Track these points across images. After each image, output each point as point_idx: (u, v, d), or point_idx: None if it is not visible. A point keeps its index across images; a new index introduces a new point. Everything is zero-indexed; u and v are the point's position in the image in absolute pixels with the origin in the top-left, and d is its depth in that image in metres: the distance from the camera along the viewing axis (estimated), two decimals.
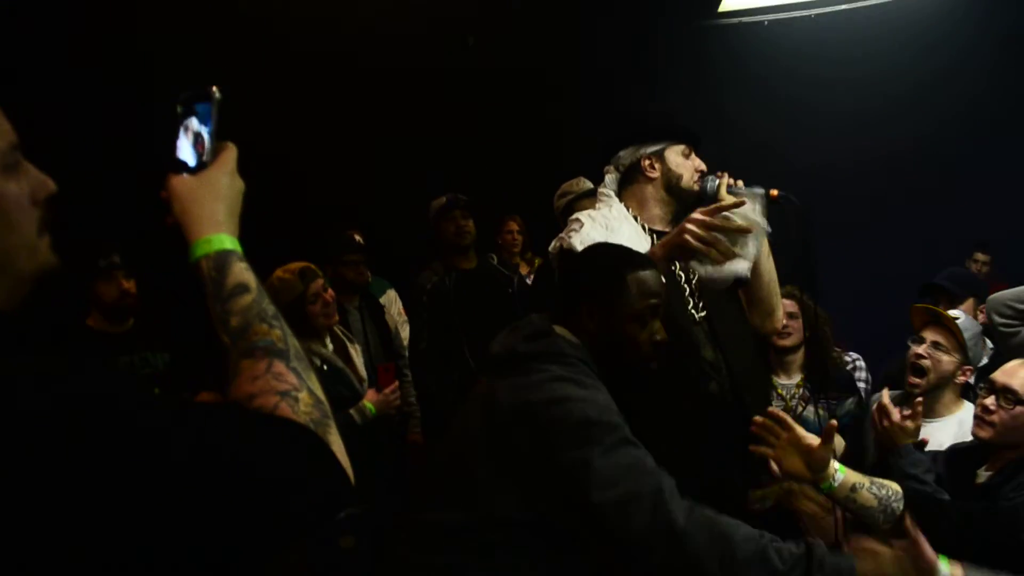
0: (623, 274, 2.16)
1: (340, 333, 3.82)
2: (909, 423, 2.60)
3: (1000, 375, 2.64)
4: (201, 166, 1.25)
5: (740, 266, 2.37)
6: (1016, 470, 2.55)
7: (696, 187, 2.74)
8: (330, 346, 3.69)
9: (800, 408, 3.59)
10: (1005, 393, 2.58)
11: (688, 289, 2.70)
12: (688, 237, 2.28)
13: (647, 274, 2.19)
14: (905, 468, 2.52)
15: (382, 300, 5.13)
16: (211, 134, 1.26)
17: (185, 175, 1.23)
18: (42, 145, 1.06)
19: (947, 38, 5.96)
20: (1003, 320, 3.23)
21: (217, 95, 1.26)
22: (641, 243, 2.62)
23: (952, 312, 3.16)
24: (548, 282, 3.19)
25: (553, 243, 2.74)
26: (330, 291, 3.63)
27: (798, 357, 3.62)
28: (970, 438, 2.98)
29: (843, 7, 5.62)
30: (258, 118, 5.27)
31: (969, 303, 3.54)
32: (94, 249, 3.72)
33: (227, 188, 1.23)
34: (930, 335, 3.08)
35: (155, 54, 4.78)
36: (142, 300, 3.80)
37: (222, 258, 1.18)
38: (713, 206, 2.35)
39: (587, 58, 5.96)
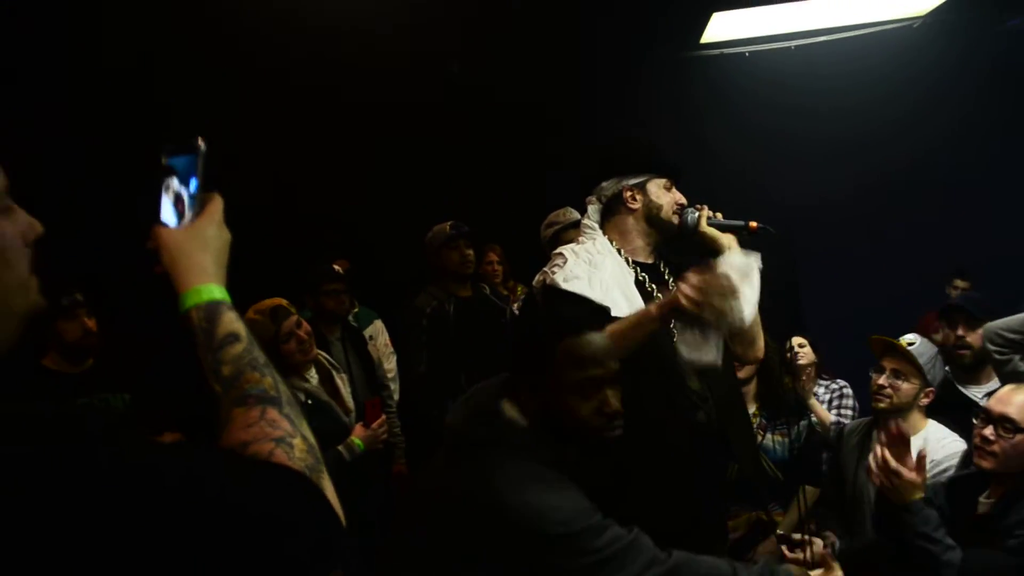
0: (553, 343, 1.99)
1: (325, 363, 3.79)
2: (917, 477, 2.58)
3: (995, 403, 2.67)
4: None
5: (709, 356, 2.32)
6: (1017, 497, 2.56)
7: (676, 219, 2.74)
8: (315, 378, 3.66)
9: (760, 436, 3.68)
10: (1003, 422, 2.60)
11: (672, 322, 2.66)
12: (683, 300, 2.24)
13: (585, 340, 2.00)
14: (917, 527, 2.49)
15: (368, 330, 5.10)
16: (196, 188, 1.26)
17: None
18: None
19: (925, 69, 6.01)
20: (995, 348, 3.25)
21: (202, 147, 1.26)
22: (625, 276, 2.65)
23: (907, 337, 3.25)
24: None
25: (537, 277, 2.74)
26: (305, 327, 3.58)
27: (751, 388, 3.70)
28: (939, 453, 3.06)
29: (823, 39, 5.66)
30: (253, 145, 5.33)
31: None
32: (56, 286, 3.53)
33: (214, 239, 1.24)
34: (889, 364, 3.20)
35: (143, 94, 4.80)
36: (102, 340, 3.65)
37: (212, 308, 1.19)
38: (707, 270, 2.27)
39: (569, 88, 5.98)
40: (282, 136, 5.38)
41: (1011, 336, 3.17)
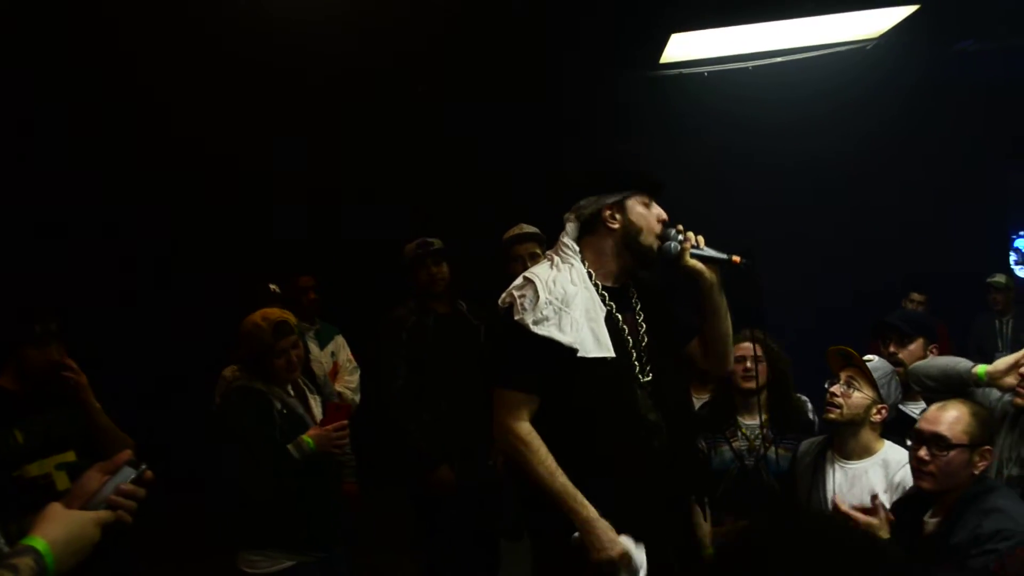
0: None
1: (302, 383, 3.72)
2: (874, 519, 2.67)
3: (924, 423, 2.67)
4: None
5: None
6: (960, 511, 2.54)
7: (655, 246, 2.69)
8: (292, 394, 3.60)
9: (763, 448, 3.63)
10: (935, 441, 2.60)
11: (636, 354, 2.68)
12: None
13: None
14: None
15: (330, 347, 5.01)
16: (109, 490, 1.65)
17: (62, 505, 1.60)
18: None
19: (878, 89, 6.05)
20: (918, 389, 3.26)
21: (143, 474, 1.68)
22: (596, 311, 2.62)
23: (867, 356, 3.22)
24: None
25: (504, 297, 2.67)
26: (299, 350, 3.57)
27: (762, 399, 3.62)
28: (897, 476, 3.02)
29: (779, 59, 5.66)
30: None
31: (919, 342, 3.52)
32: (32, 313, 3.33)
33: (77, 528, 1.55)
34: (844, 375, 3.17)
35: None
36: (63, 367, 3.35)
37: (25, 549, 1.48)
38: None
39: (529, 107, 5.95)
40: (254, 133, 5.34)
41: (929, 383, 3.15)
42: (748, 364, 3.51)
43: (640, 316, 2.74)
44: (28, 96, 4.83)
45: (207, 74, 4.95)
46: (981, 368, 2.95)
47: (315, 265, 5.40)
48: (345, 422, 3.51)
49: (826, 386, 3.22)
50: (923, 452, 2.62)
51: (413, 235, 4.45)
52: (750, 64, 5.66)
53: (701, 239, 2.71)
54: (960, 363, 3.04)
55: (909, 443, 2.79)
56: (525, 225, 4.32)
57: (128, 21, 4.44)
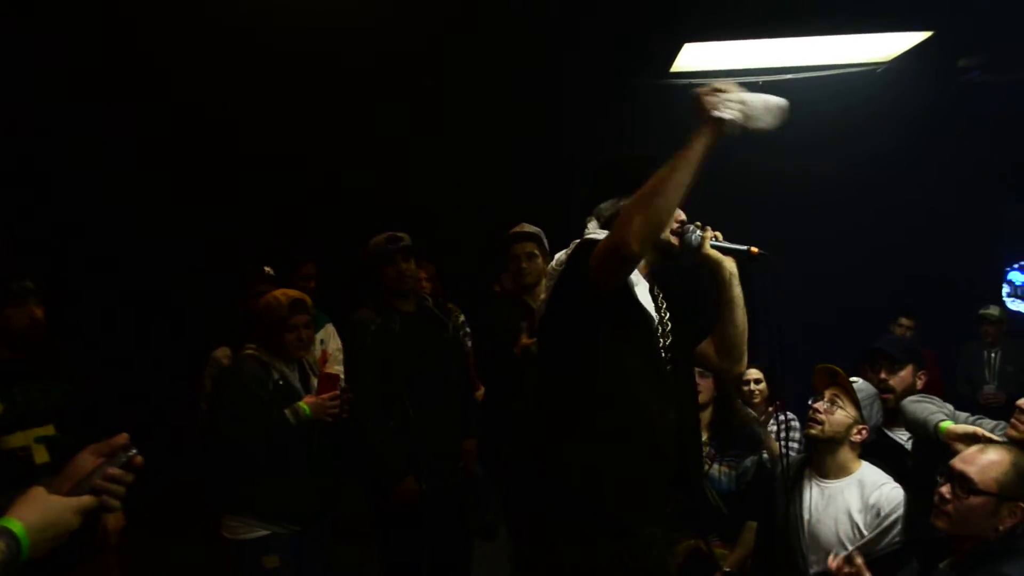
0: None
1: (307, 365, 3.82)
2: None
3: (958, 461, 2.49)
4: None
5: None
6: (973, 567, 2.40)
7: (675, 239, 2.66)
8: (296, 373, 3.72)
9: (707, 466, 3.64)
10: (961, 482, 2.43)
11: (663, 342, 2.65)
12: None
13: None
14: None
15: (320, 334, 4.95)
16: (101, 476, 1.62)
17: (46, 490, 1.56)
18: None
19: (886, 112, 6.01)
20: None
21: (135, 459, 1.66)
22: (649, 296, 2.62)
23: (852, 378, 3.21)
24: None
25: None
26: (310, 331, 3.73)
27: (706, 415, 3.63)
28: (872, 497, 2.96)
29: (789, 76, 5.62)
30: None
31: (908, 369, 3.49)
32: (7, 272, 3.32)
33: (55, 514, 1.53)
34: (828, 393, 3.16)
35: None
36: (47, 329, 3.38)
37: (4, 532, 1.47)
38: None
39: (538, 113, 5.90)
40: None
41: (906, 423, 3.16)
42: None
43: (666, 315, 2.72)
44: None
45: (209, 55, 4.87)
46: (944, 424, 2.90)
47: (318, 253, 5.40)
48: (337, 392, 3.65)
49: (810, 403, 3.21)
50: (946, 489, 2.47)
51: (413, 232, 4.35)
52: (760, 79, 5.62)
53: (719, 234, 2.71)
54: (934, 415, 2.99)
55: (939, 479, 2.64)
56: (526, 224, 4.25)
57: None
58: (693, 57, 5.37)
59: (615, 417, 2.48)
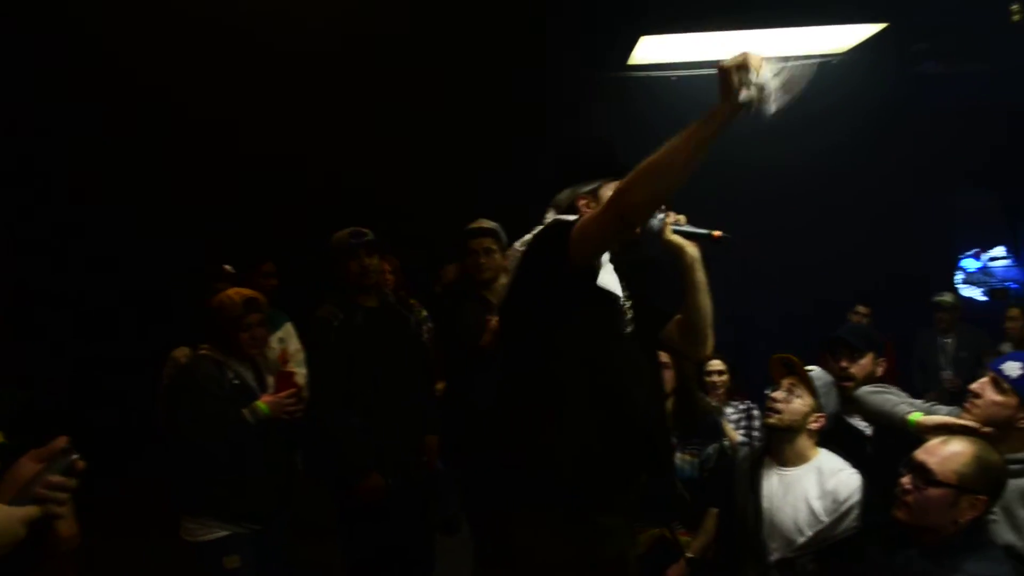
0: None
1: (263, 366, 3.78)
2: None
3: (921, 451, 2.48)
4: None
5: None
6: (938, 559, 2.39)
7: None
8: (251, 372, 3.67)
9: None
10: (921, 473, 2.41)
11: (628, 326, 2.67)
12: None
13: None
14: None
15: (279, 334, 4.89)
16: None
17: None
18: None
19: (843, 103, 6.05)
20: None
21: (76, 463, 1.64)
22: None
23: (809, 367, 3.22)
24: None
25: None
26: (264, 330, 3.68)
27: (667, 405, 3.61)
28: (830, 483, 2.98)
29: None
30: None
31: (869, 357, 3.52)
32: None
33: (2, 526, 1.53)
34: (786, 382, 3.15)
35: None
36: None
37: None
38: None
39: (494, 104, 5.89)
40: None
41: (866, 415, 3.19)
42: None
43: (627, 303, 2.71)
44: None
45: (208, 55, 4.81)
46: (913, 416, 2.90)
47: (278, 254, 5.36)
48: (295, 389, 3.61)
49: (767, 392, 3.22)
50: (906, 480, 2.46)
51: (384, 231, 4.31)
52: (717, 71, 5.65)
53: (683, 218, 2.68)
54: (898, 407, 2.99)
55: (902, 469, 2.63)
56: (484, 220, 4.23)
57: None
58: (650, 50, 5.37)
59: (581, 400, 2.47)
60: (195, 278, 4.55)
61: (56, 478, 1.60)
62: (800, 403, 3.11)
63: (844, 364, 3.49)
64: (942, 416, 2.84)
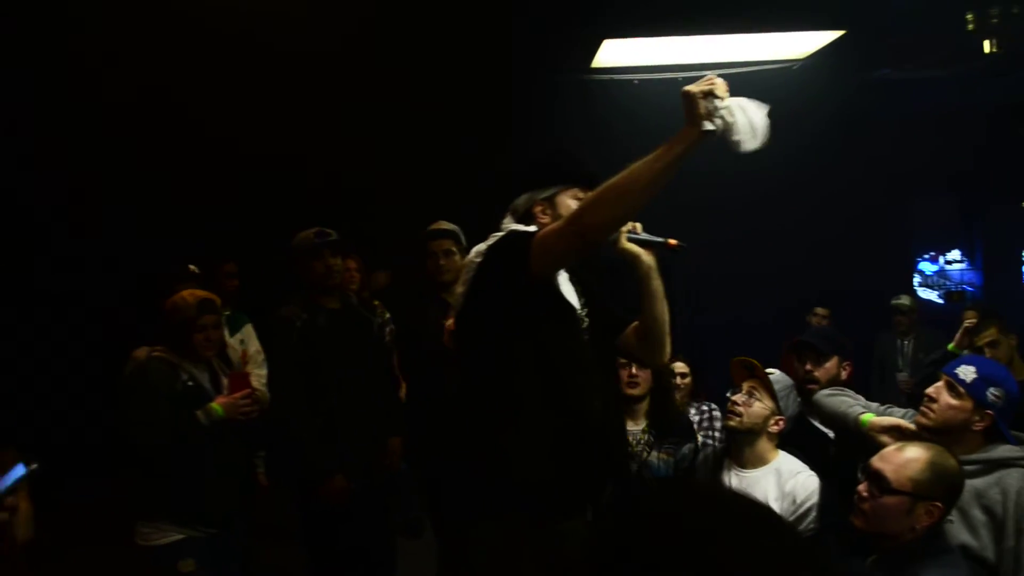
0: None
1: (218, 368, 3.71)
2: None
3: (876, 459, 2.47)
4: None
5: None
6: (897, 567, 2.39)
7: None
8: (206, 374, 3.63)
9: (645, 453, 3.62)
10: (877, 480, 2.40)
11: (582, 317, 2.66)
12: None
13: None
14: None
15: (240, 335, 4.84)
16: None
17: None
18: None
19: (801, 109, 6.11)
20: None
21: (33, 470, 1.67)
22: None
23: (769, 370, 3.22)
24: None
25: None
26: (220, 332, 3.66)
27: (644, 405, 3.63)
28: (788, 485, 3.00)
29: (708, 73, 5.68)
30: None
31: (834, 360, 3.56)
32: None
33: None
34: (746, 385, 3.16)
35: None
36: None
37: None
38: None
39: (457, 106, 5.88)
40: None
41: (823, 418, 3.20)
42: (633, 370, 3.51)
43: (584, 311, 2.70)
44: None
45: (204, 56, 4.76)
46: (865, 417, 2.92)
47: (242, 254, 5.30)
48: (249, 390, 3.58)
49: (728, 395, 3.23)
50: (863, 488, 2.43)
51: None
52: (680, 75, 5.68)
53: (639, 225, 2.64)
54: (852, 408, 3.02)
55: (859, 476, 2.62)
56: (444, 222, 4.22)
57: None
58: (613, 53, 5.39)
59: (536, 408, 2.47)
60: (159, 278, 4.49)
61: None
62: (760, 406, 3.13)
63: (809, 367, 3.52)
64: (893, 418, 2.87)
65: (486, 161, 4.78)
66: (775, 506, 3.00)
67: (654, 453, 3.64)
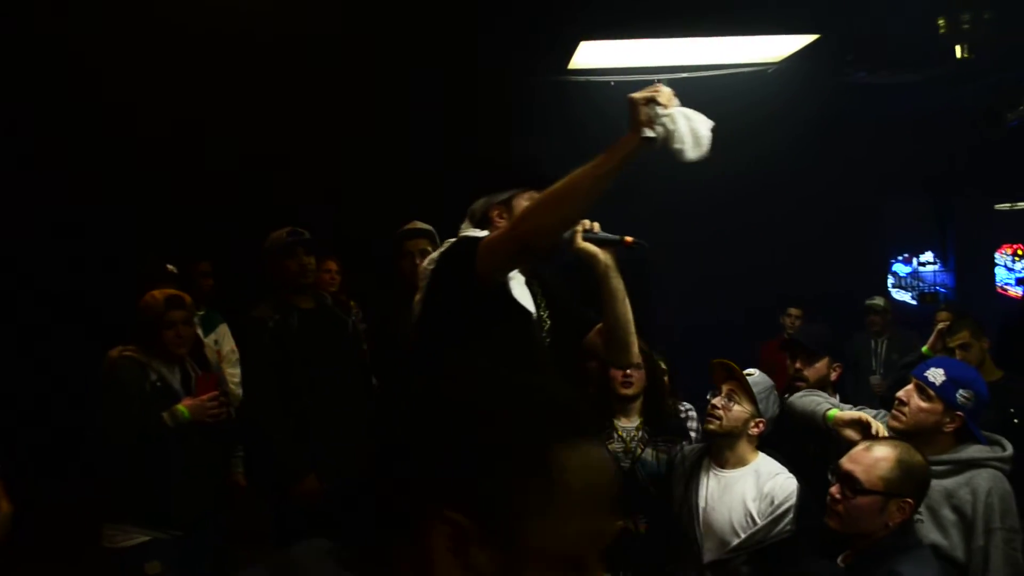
0: (552, 452, 0.94)
1: (191, 367, 3.69)
2: None
3: (845, 461, 2.53)
4: None
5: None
6: (867, 564, 2.45)
7: None
8: (178, 375, 3.61)
9: (639, 450, 3.63)
10: (848, 482, 2.45)
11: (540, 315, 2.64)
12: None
13: (598, 457, 0.98)
14: None
15: (214, 335, 4.81)
16: None
17: None
18: None
19: (777, 112, 6.16)
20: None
21: None
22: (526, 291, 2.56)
23: (748, 369, 3.22)
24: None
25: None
26: (191, 329, 3.65)
27: (638, 404, 3.64)
28: (767, 486, 3.02)
29: (684, 75, 5.71)
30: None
31: (824, 361, 3.59)
32: None
33: None
34: (726, 387, 3.16)
35: None
36: None
37: None
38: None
39: (433, 108, 5.87)
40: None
41: (793, 420, 3.24)
42: (628, 369, 3.50)
43: (545, 313, 2.69)
44: None
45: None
46: (831, 412, 2.99)
47: (217, 252, 5.26)
48: (217, 392, 3.58)
49: (708, 397, 3.24)
50: (835, 490, 2.49)
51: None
52: (656, 77, 5.70)
53: (596, 225, 2.60)
54: (820, 406, 3.09)
55: (830, 478, 2.71)
56: (419, 222, 4.21)
57: None
58: (590, 55, 5.40)
59: None
60: (137, 278, 4.45)
61: None
62: (740, 409, 3.13)
63: (799, 366, 3.56)
64: (855, 412, 2.91)
65: (464, 163, 4.77)
66: (752, 507, 3.02)
67: (648, 450, 3.67)
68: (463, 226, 2.68)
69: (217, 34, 4.53)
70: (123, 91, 5.09)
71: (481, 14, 4.79)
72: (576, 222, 2.43)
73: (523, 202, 2.61)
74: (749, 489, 3.07)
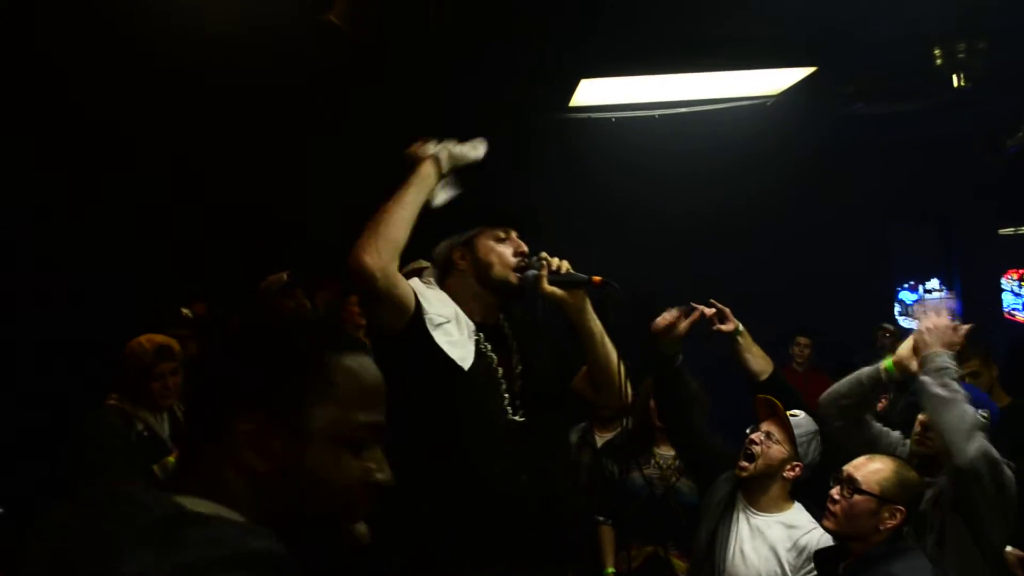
0: (324, 359, 1.16)
1: (180, 414, 3.58)
2: None
3: (848, 466, 2.70)
4: None
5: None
6: (861, 569, 2.57)
7: (512, 279, 2.53)
8: (166, 422, 3.51)
9: (674, 478, 3.74)
10: (848, 483, 2.63)
11: (508, 396, 2.50)
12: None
13: (364, 363, 1.20)
14: None
15: None
16: None
17: None
18: None
19: (776, 144, 6.20)
20: (837, 423, 3.22)
21: None
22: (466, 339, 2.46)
23: (794, 410, 3.13)
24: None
25: None
26: (178, 378, 3.48)
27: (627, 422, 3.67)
28: (802, 540, 2.99)
29: (684, 110, 5.76)
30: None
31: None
32: None
33: None
34: (766, 426, 3.09)
35: None
36: None
37: None
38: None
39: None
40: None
41: (844, 403, 3.18)
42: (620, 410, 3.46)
43: (516, 356, 2.58)
44: None
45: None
46: (887, 362, 3.10)
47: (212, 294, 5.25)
48: None
49: (747, 432, 3.15)
50: (835, 491, 2.68)
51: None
52: (656, 112, 5.75)
53: (564, 264, 2.54)
54: (865, 370, 3.16)
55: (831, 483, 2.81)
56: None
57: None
58: (590, 93, 5.45)
59: (435, 479, 2.34)
60: (150, 322, 4.46)
61: None
62: (777, 449, 3.05)
63: None
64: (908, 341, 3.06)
65: (466, 203, 4.79)
66: (784, 557, 2.95)
67: (683, 479, 3.66)
68: (425, 273, 2.63)
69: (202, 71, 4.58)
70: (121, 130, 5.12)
71: (481, 55, 4.84)
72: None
73: (487, 241, 2.55)
74: (782, 538, 3.00)
